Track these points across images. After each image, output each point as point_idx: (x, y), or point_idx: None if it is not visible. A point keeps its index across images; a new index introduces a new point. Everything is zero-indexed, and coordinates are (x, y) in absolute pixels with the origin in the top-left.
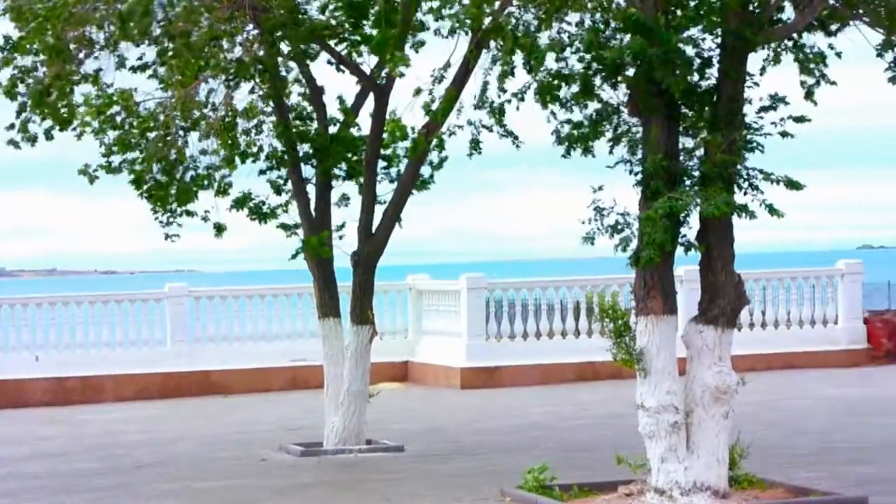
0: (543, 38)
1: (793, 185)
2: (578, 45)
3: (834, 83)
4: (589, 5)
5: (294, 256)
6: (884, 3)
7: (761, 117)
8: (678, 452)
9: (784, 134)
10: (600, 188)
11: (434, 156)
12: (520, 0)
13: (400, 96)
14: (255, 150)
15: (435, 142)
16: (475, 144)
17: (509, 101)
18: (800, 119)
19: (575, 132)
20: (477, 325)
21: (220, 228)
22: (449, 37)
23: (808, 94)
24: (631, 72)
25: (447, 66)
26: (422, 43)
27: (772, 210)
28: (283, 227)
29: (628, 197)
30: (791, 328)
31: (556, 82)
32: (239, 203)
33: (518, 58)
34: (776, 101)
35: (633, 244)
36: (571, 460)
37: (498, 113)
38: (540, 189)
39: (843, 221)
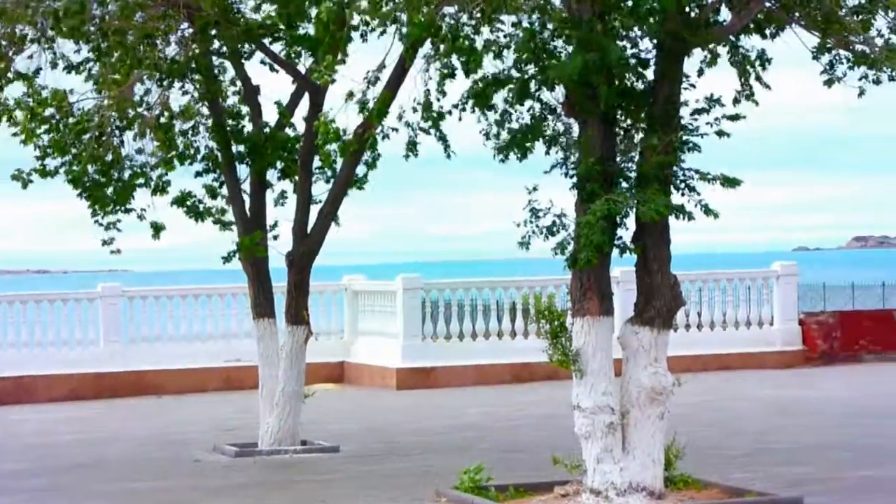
0: (479, 41)
1: (729, 182)
2: (515, 47)
3: (768, 86)
4: (525, 7)
5: (227, 260)
6: (819, 7)
7: (696, 119)
8: (614, 453)
9: (720, 133)
10: (535, 189)
11: (369, 155)
12: (456, 1)
13: (336, 95)
14: (192, 151)
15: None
16: (412, 147)
17: (449, 113)
18: (734, 117)
19: (511, 136)
20: (413, 325)
21: (157, 229)
22: (386, 34)
23: (749, 96)
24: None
25: (381, 67)
26: (351, 39)
27: (707, 210)
28: (220, 223)
29: (565, 198)
30: (727, 329)
31: (492, 87)
32: (179, 201)
33: (456, 60)
34: (711, 102)
35: (571, 246)
36: (507, 461)
37: (435, 117)
38: (477, 189)
39: (779, 223)
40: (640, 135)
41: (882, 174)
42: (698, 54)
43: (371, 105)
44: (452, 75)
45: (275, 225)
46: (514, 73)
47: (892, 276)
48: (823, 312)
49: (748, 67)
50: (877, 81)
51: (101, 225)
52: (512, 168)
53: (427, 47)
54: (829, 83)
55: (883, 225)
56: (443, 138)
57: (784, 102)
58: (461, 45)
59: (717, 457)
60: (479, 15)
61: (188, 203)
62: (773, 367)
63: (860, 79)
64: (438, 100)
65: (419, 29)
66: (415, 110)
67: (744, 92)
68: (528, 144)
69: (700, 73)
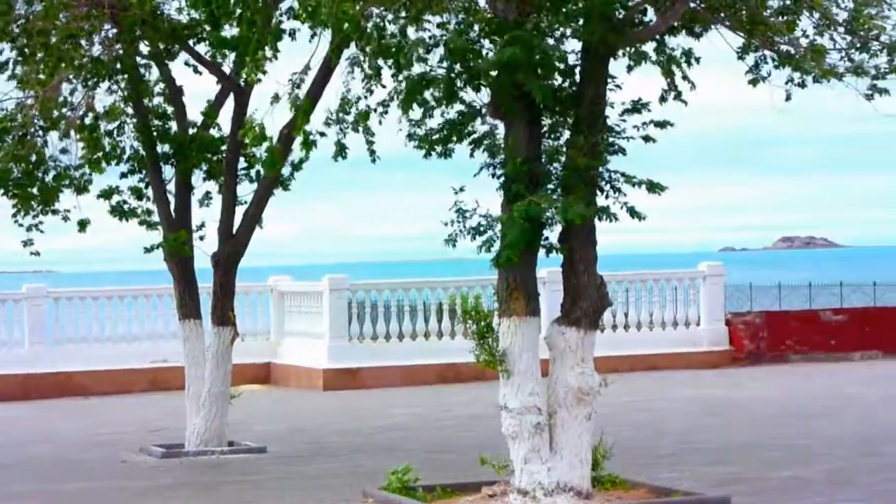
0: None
1: (654, 187)
2: (442, 47)
3: (693, 84)
4: (452, 7)
5: (149, 250)
6: (744, 7)
7: (624, 120)
8: (541, 453)
9: (646, 139)
10: (462, 189)
11: (295, 156)
12: (381, 1)
13: (261, 96)
14: (118, 152)
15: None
16: (341, 149)
17: (375, 111)
18: (662, 124)
19: (434, 135)
20: (339, 326)
21: (83, 224)
22: (313, 36)
23: (676, 96)
24: (494, 74)
25: (307, 68)
26: (281, 37)
27: (633, 212)
28: (146, 223)
29: (492, 199)
30: (654, 330)
31: (419, 86)
32: (106, 194)
33: (381, 60)
34: (638, 105)
35: (496, 246)
36: (435, 461)
37: (363, 118)
38: (405, 190)
39: (706, 224)
40: (566, 136)
41: (809, 175)
42: (630, 54)
43: (300, 104)
44: (378, 75)
45: (201, 226)
46: (441, 73)
47: (819, 276)
48: (750, 313)
49: (674, 67)
50: (802, 84)
51: (21, 226)
52: (440, 168)
53: (353, 49)
54: (753, 82)
55: (809, 225)
56: (369, 138)
57: (712, 103)
58: (388, 45)
59: (645, 457)
60: (405, 15)
61: (113, 202)
62: (701, 367)
63: (787, 82)
64: (365, 97)
65: (347, 24)
66: (342, 111)
67: (670, 92)
68: (451, 143)
69: (629, 68)
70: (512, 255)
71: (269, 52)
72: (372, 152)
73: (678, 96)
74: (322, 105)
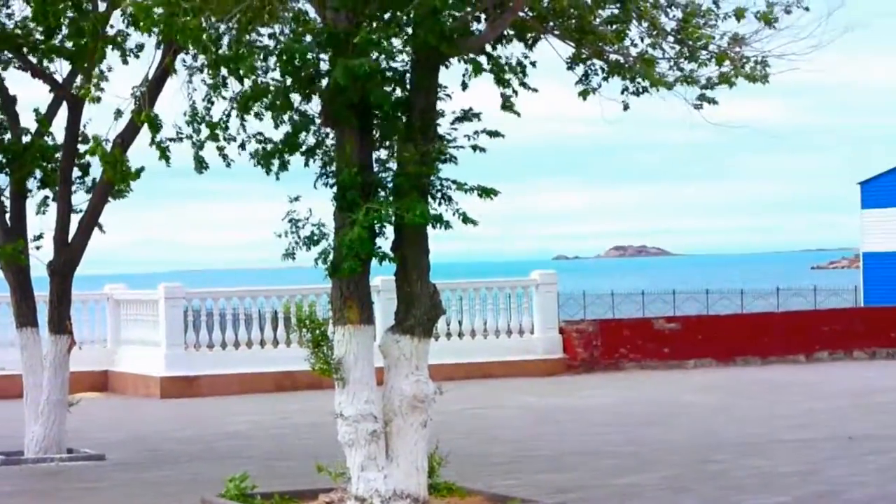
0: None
1: (486, 192)
2: (275, 56)
3: (535, 90)
4: (282, 18)
5: None
6: (574, 17)
7: (455, 128)
8: (378, 461)
9: (476, 148)
10: (297, 199)
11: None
12: (213, 11)
13: (98, 106)
14: None
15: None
16: (200, 162)
17: (219, 124)
18: (493, 134)
19: (270, 147)
20: (175, 334)
21: None
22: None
23: (507, 107)
24: (325, 83)
25: (145, 81)
26: (118, 47)
27: (465, 218)
28: None
29: (326, 207)
30: (488, 338)
31: (253, 99)
32: None
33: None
34: (469, 114)
35: (332, 255)
36: (272, 469)
37: (215, 124)
38: (243, 198)
39: (539, 232)
40: (398, 145)
41: (641, 184)
42: (465, 62)
43: (149, 117)
44: (225, 85)
45: (39, 236)
46: (274, 84)
47: (651, 284)
48: (584, 321)
49: (507, 76)
50: (637, 93)
51: None
52: (272, 177)
53: (189, 58)
54: (584, 94)
55: (641, 233)
56: (220, 145)
57: (546, 112)
58: (225, 55)
59: (481, 464)
60: (236, 26)
61: None
62: (535, 375)
63: (622, 91)
64: (208, 109)
65: (181, 35)
66: (193, 123)
67: (507, 103)
68: (286, 155)
69: (464, 86)
70: (355, 265)
71: (104, 66)
72: (224, 157)
73: (510, 107)
74: (170, 116)
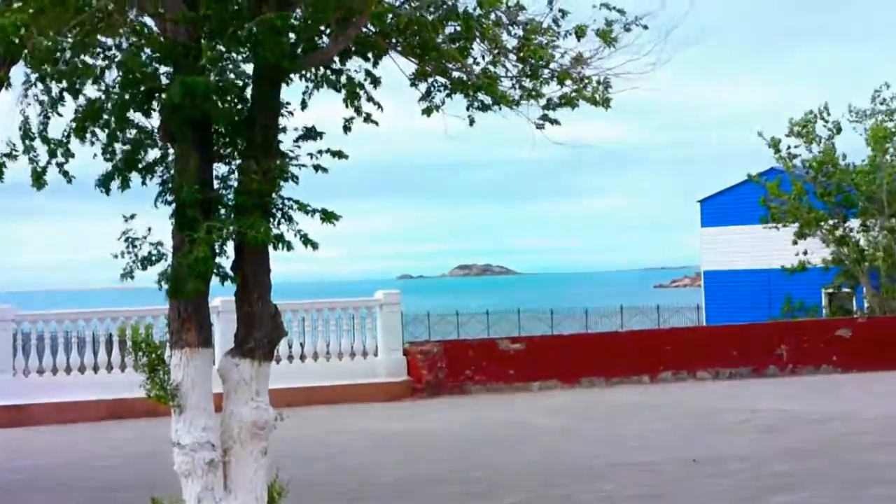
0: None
1: (328, 216)
2: (115, 68)
3: (380, 107)
4: (122, 31)
5: None
6: (416, 34)
7: (298, 146)
8: (215, 491)
9: (318, 168)
10: (132, 217)
11: None
12: (49, 23)
13: None
14: None
15: None
16: (38, 177)
17: (60, 142)
18: (337, 154)
19: (112, 167)
20: (4, 359)
21: None
22: None
23: (366, 118)
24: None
25: None
26: None
27: (306, 241)
28: None
29: (165, 226)
30: (331, 360)
31: (91, 115)
32: None
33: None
34: (311, 133)
35: (171, 275)
36: (106, 500)
37: (58, 143)
38: (79, 216)
39: (384, 251)
40: (239, 161)
41: (486, 203)
42: (308, 78)
43: None
44: (61, 100)
45: None
46: (113, 99)
47: (496, 303)
48: (428, 342)
49: (357, 90)
50: (483, 108)
51: None
52: (115, 194)
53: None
54: (427, 111)
55: (485, 252)
56: (59, 161)
57: (389, 128)
58: (61, 70)
59: (324, 493)
60: (73, 37)
61: None
62: (380, 399)
63: (467, 108)
64: (45, 125)
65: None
66: (26, 139)
67: (358, 117)
68: (128, 174)
69: (303, 105)
70: (199, 285)
71: None
72: (65, 173)
73: (367, 118)
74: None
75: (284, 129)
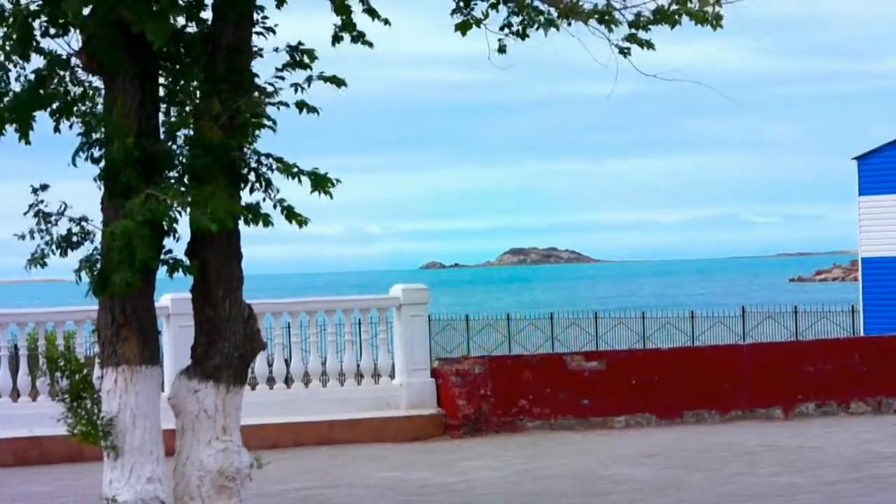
0: None
1: (321, 181)
2: None
3: (386, 21)
4: None
5: None
6: None
7: (281, 77)
8: None
9: (303, 107)
10: (44, 188)
11: None
12: None
13: None
14: None
15: None
16: None
17: None
18: (334, 81)
19: (8, 103)
20: None
21: None
22: None
23: (356, 38)
24: (87, 11)
25: None
26: None
27: (291, 215)
28: None
29: (89, 195)
30: (328, 385)
31: None
32: None
33: None
34: (298, 53)
35: (99, 264)
36: None
37: None
38: None
39: (401, 229)
40: (196, 100)
41: (546, 159)
42: None
43: None
44: None
45: None
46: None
47: (563, 302)
48: (468, 358)
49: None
50: (544, 24)
51: None
52: (25, 152)
53: None
54: (463, 27)
55: (549, 231)
56: None
57: (405, 54)
58: None
59: None
60: None
61: None
62: (398, 439)
63: (521, 24)
64: None
65: None
66: None
67: (347, 31)
68: (30, 114)
69: (279, 2)
70: (133, 279)
71: None
72: None
73: (359, 38)
74: None
75: (260, 52)
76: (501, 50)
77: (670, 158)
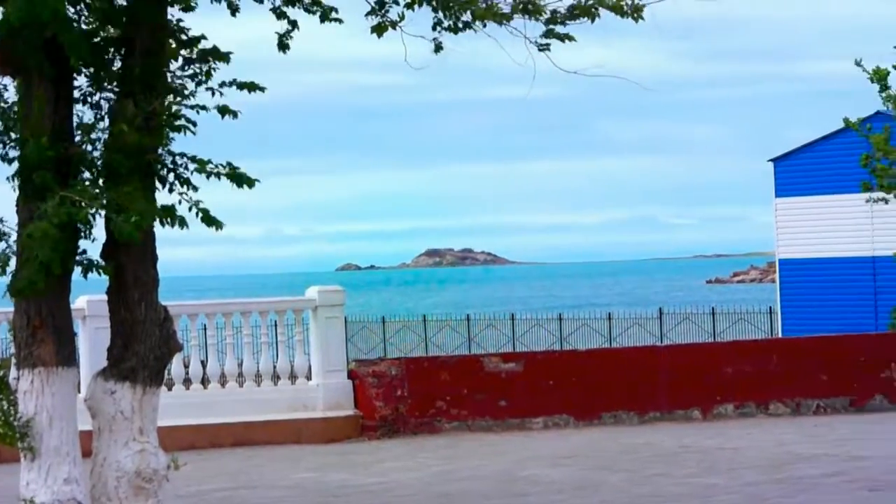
0: None
1: (241, 180)
2: None
3: (339, 19)
4: None
5: None
6: None
7: (199, 77)
8: None
9: (224, 111)
10: None
11: None
12: None
13: None
14: None
15: None
16: None
17: None
18: (249, 87)
19: None
20: None
21: None
22: None
23: (285, 45)
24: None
25: None
26: None
27: (207, 218)
28: None
29: (4, 196)
30: (245, 386)
31: None
32: None
33: None
34: (210, 54)
35: (13, 264)
36: None
37: None
38: None
39: (318, 231)
40: (111, 102)
41: (464, 162)
42: None
43: None
44: None
45: None
46: None
47: (480, 303)
48: (384, 359)
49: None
50: (454, 29)
51: None
52: None
53: None
54: (378, 30)
55: (464, 233)
56: None
57: (327, 58)
58: None
59: None
60: None
61: None
62: (315, 440)
63: (435, 26)
64: None
65: None
66: None
67: (291, 34)
68: None
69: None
70: (37, 279)
71: None
72: None
73: (287, 46)
74: None
75: (176, 55)
76: (438, 48)
77: (589, 161)
